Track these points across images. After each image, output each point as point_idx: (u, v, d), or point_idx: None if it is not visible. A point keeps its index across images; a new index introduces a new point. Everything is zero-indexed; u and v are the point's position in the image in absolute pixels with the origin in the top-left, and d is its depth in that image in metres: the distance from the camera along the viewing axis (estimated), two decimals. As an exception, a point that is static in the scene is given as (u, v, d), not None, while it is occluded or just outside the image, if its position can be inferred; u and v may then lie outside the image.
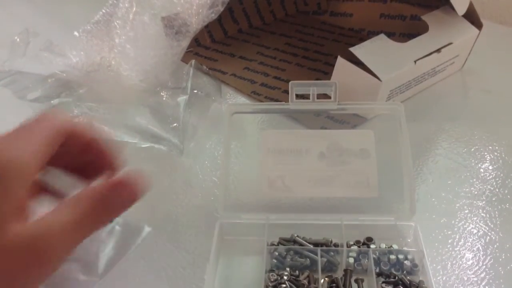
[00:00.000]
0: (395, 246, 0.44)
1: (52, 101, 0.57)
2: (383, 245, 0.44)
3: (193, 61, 0.61)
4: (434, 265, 0.43)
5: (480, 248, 0.45)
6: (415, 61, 0.60)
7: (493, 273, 0.43)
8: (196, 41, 0.77)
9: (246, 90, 0.67)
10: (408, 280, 0.41)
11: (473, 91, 0.69)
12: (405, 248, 0.44)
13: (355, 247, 0.44)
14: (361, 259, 0.43)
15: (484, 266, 0.43)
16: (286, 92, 0.65)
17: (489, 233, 0.46)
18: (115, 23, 0.58)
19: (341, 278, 0.41)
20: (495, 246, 0.45)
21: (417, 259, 0.43)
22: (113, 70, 0.57)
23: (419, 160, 0.55)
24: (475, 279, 0.42)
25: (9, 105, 0.62)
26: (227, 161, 0.48)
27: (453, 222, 0.48)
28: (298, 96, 0.48)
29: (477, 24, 0.66)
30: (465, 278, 0.42)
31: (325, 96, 0.48)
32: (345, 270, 0.42)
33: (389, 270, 0.42)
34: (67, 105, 0.57)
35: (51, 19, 0.87)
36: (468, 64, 0.70)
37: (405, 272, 0.42)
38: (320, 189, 0.46)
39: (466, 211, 0.49)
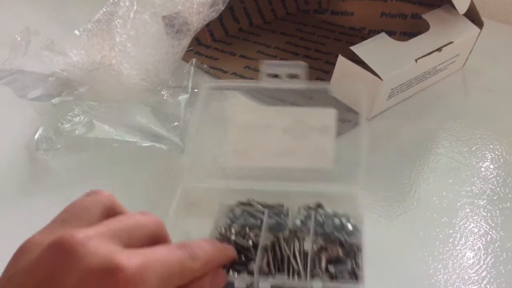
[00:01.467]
0: (340, 212, 0.47)
1: (53, 100, 0.57)
2: (329, 210, 0.47)
3: (193, 60, 0.61)
4: (435, 264, 0.43)
5: (481, 247, 0.45)
6: (416, 60, 0.59)
7: (494, 272, 0.43)
8: (197, 40, 0.76)
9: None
10: (346, 240, 0.44)
11: (474, 90, 0.69)
12: (347, 212, 0.47)
13: (303, 211, 0.48)
14: (307, 222, 0.46)
15: (485, 265, 0.43)
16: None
17: (490, 232, 0.46)
18: (116, 22, 0.58)
19: (285, 237, 0.44)
20: (496, 245, 0.45)
21: (358, 223, 0.46)
22: (114, 69, 0.57)
23: (420, 159, 0.55)
24: (476, 278, 0.42)
25: (10, 104, 0.62)
26: (198, 134, 0.51)
27: (454, 221, 0.48)
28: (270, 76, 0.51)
29: (478, 23, 0.66)
30: (466, 277, 0.42)
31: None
32: (290, 230, 0.45)
33: (331, 232, 0.45)
34: (68, 104, 0.57)
35: (52, 18, 0.87)
36: (469, 63, 0.70)
37: (345, 233, 0.45)
38: (281, 160, 0.49)
39: (467, 210, 0.49)
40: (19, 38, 0.57)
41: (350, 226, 0.46)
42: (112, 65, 0.57)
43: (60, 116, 0.56)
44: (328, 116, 0.49)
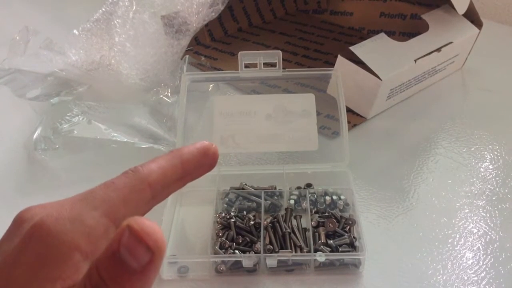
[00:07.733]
0: (330, 190, 0.49)
1: (51, 100, 0.57)
2: (319, 189, 0.50)
3: (187, 57, 0.60)
4: (435, 264, 0.43)
5: (480, 247, 0.45)
6: (415, 60, 0.59)
7: (493, 273, 0.43)
8: (196, 40, 0.76)
9: (245, 89, 0.67)
10: (341, 215, 0.46)
11: (473, 90, 0.69)
12: (337, 188, 0.49)
13: (295, 191, 0.50)
14: (301, 201, 0.49)
15: (484, 266, 0.43)
16: (286, 90, 0.66)
17: (489, 233, 0.46)
18: (115, 22, 0.58)
19: (283, 216, 0.46)
20: (495, 245, 0.45)
21: (349, 198, 0.49)
22: (113, 69, 0.57)
23: (419, 159, 0.55)
24: (475, 278, 0.42)
25: (9, 103, 0.62)
26: (183, 123, 0.52)
27: (453, 221, 0.48)
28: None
29: (477, 23, 0.66)
30: (466, 278, 0.42)
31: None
32: (286, 209, 0.47)
33: (325, 209, 0.48)
34: (67, 103, 0.57)
35: (51, 17, 0.87)
36: (468, 63, 0.70)
37: (338, 209, 0.48)
38: (267, 145, 0.51)
39: (466, 211, 0.49)
40: (18, 37, 0.56)
41: (341, 202, 0.48)
42: (111, 65, 0.57)
43: (58, 116, 0.56)
44: (307, 100, 0.52)
